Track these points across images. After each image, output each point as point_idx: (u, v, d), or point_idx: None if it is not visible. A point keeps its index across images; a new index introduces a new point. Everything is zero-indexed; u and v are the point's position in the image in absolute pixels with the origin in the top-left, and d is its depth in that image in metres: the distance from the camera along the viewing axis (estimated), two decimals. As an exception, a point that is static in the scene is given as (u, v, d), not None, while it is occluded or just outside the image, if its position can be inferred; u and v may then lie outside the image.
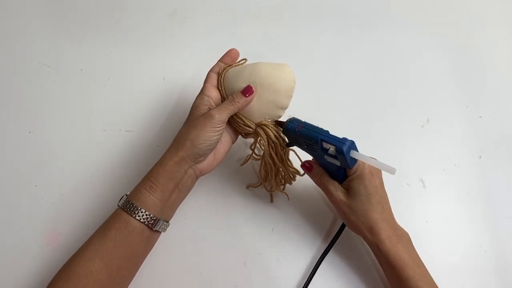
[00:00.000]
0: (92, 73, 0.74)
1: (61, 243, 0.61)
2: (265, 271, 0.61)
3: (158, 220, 0.52)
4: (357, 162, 0.54)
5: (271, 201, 0.65)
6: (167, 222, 0.54)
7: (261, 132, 0.56)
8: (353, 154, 0.52)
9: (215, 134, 0.53)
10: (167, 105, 0.72)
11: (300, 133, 0.55)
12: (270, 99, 0.56)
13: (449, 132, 0.72)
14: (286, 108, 0.57)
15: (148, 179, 0.53)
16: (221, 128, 0.54)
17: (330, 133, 0.54)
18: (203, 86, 0.57)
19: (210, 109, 0.55)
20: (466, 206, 0.67)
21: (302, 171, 0.60)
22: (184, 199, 0.61)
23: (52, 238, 0.62)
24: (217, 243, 0.62)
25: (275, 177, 0.60)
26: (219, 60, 0.59)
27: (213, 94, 0.56)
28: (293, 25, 0.81)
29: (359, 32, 0.81)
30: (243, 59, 0.61)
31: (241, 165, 0.65)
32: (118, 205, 0.53)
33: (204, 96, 0.56)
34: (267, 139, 0.57)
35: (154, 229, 0.52)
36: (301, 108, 0.72)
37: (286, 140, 0.58)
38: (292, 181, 0.62)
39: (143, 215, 0.51)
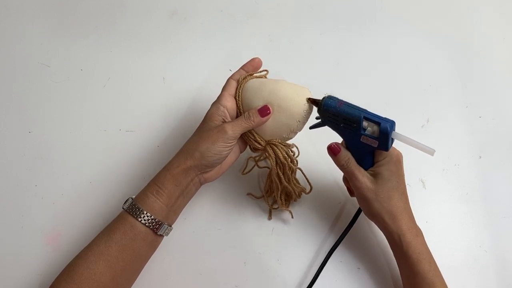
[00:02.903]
0: (92, 73, 0.74)
1: (61, 243, 0.61)
2: (265, 271, 0.61)
3: (163, 224, 0.52)
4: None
5: (269, 218, 0.64)
6: (170, 226, 0.55)
7: (270, 151, 0.56)
8: (393, 134, 0.51)
9: (225, 149, 0.53)
10: (167, 105, 0.72)
11: (341, 110, 0.52)
12: (284, 122, 0.55)
13: (449, 132, 0.72)
14: (298, 132, 0.57)
15: (154, 183, 0.53)
16: (232, 143, 0.54)
17: (369, 111, 0.53)
18: (221, 93, 0.57)
19: (224, 120, 0.55)
20: (466, 206, 0.67)
21: (308, 189, 0.61)
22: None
23: (52, 238, 0.62)
24: (217, 243, 0.62)
25: (281, 196, 0.60)
26: (241, 68, 0.59)
27: (229, 104, 0.55)
28: (293, 25, 0.81)
29: (359, 32, 0.81)
30: (265, 70, 0.60)
31: (243, 174, 0.65)
32: (123, 207, 0.53)
33: (220, 106, 0.55)
34: (275, 158, 0.57)
35: (158, 233, 0.52)
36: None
37: (296, 155, 0.58)
38: (298, 199, 0.62)
39: (148, 219, 0.51)
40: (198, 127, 0.56)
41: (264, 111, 0.54)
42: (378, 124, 0.52)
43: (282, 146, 0.57)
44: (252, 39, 0.79)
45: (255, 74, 0.59)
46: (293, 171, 0.58)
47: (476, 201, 0.67)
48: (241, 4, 0.82)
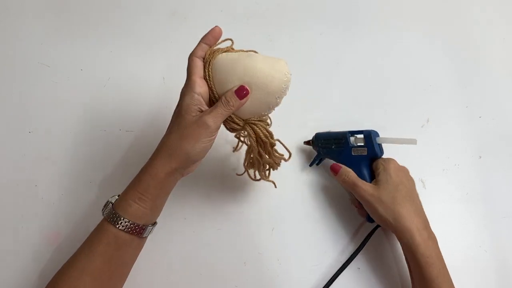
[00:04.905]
0: (92, 73, 0.74)
1: (61, 243, 0.61)
2: (265, 271, 0.61)
3: (146, 227, 0.51)
4: (383, 160, 0.60)
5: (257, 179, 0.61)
6: (154, 224, 0.53)
7: (250, 130, 0.54)
8: (378, 140, 0.61)
9: (210, 143, 0.51)
10: (167, 105, 0.72)
11: (329, 134, 0.65)
12: (263, 100, 0.53)
13: (449, 132, 0.72)
14: (277, 107, 0.55)
15: (136, 190, 0.49)
16: (215, 135, 0.51)
17: None
18: (190, 79, 0.50)
19: (201, 109, 0.50)
20: (466, 206, 0.67)
21: (287, 156, 0.58)
22: (185, 200, 0.61)
23: (52, 238, 0.62)
24: (217, 243, 0.62)
25: (263, 170, 0.58)
26: (201, 41, 0.52)
27: (203, 90, 0.50)
28: (293, 25, 0.81)
29: (358, 32, 0.81)
30: (228, 39, 0.56)
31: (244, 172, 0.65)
32: (103, 215, 0.51)
33: (194, 95, 0.50)
34: (255, 137, 0.55)
35: (143, 236, 0.51)
36: (300, 109, 0.72)
37: (272, 139, 0.56)
38: (278, 167, 0.58)
39: (134, 227, 0.49)
40: (175, 122, 0.51)
41: (241, 92, 0.50)
42: (361, 132, 0.62)
43: (262, 124, 0.54)
44: (252, 39, 0.79)
45: (219, 47, 0.54)
46: (274, 145, 0.56)
47: (476, 201, 0.67)
48: (241, 4, 0.82)
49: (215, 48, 0.54)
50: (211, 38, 0.52)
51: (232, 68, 0.52)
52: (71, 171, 0.66)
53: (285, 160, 0.59)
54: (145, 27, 0.79)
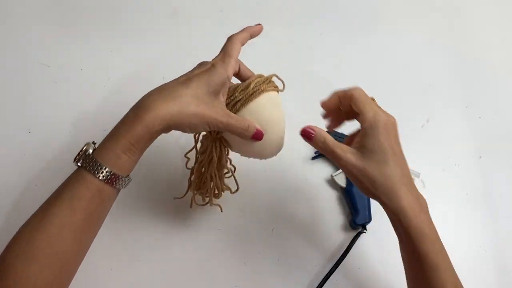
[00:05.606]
0: (92, 73, 0.74)
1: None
2: (265, 271, 0.61)
3: (124, 178, 0.47)
4: (371, 114, 0.50)
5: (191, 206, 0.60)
6: (129, 178, 0.49)
7: (217, 146, 0.52)
8: None
9: (204, 129, 0.49)
10: (167, 105, 0.72)
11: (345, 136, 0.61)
12: (256, 149, 0.52)
13: (449, 132, 0.73)
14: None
15: (128, 140, 0.45)
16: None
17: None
18: (230, 58, 0.49)
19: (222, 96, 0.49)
20: (466, 206, 0.67)
21: (234, 189, 0.58)
22: (184, 200, 0.61)
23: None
24: (217, 243, 0.62)
25: (212, 193, 0.57)
26: (248, 31, 0.53)
27: (231, 75, 0.49)
28: (293, 25, 0.81)
29: (358, 32, 0.81)
30: (274, 75, 0.55)
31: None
32: (78, 164, 0.47)
33: (226, 78, 0.48)
34: (219, 154, 0.52)
35: (120, 187, 0.47)
36: (300, 109, 0.72)
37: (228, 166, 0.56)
38: (220, 196, 0.58)
39: (123, 183, 0.46)
40: (202, 87, 0.48)
41: (257, 137, 0.50)
42: None
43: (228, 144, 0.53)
44: (252, 39, 0.79)
45: (266, 80, 0.52)
46: (227, 172, 0.56)
47: (476, 201, 0.67)
48: (241, 4, 0.82)
49: (264, 79, 0.52)
50: (253, 32, 0.53)
51: (266, 106, 0.51)
52: (71, 171, 0.66)
53: (231, 193, 0.58)
54: (145, 27, 0.79)
